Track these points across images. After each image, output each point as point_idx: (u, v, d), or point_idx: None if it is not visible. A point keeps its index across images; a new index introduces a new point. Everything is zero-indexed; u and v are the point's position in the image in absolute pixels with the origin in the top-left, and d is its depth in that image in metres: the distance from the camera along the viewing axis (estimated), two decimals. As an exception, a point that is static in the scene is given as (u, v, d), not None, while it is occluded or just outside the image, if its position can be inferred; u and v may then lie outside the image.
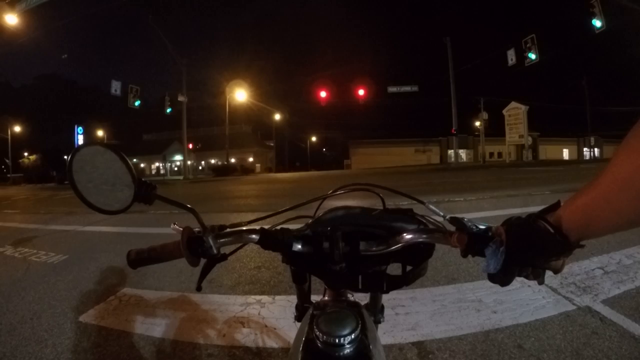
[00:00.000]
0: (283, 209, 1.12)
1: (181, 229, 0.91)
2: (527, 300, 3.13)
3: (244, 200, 13.80)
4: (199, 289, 0.97)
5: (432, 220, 0.97)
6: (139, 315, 3.32)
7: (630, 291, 3.27)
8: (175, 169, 63.48)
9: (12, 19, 21.94)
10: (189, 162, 45.05)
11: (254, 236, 0.90)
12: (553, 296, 3.22)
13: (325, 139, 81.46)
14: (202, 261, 0.92)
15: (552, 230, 0.65)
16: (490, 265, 0.70)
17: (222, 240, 0.90)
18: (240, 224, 0.99)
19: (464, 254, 0.77)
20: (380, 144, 64.77)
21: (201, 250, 0.88)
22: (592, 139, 56.96)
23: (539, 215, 0.69)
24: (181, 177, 41.36)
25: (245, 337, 2.81)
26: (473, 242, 0.75)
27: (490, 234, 0.74)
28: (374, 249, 0.88)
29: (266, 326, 2.97)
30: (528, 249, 0.68)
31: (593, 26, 22.62)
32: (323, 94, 32.71)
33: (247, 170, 51.39)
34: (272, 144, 71.51)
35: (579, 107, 57.37)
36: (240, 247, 1.06)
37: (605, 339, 2.53)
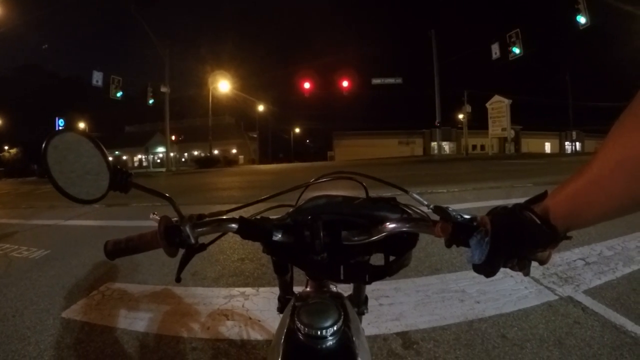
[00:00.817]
0: (264, 197, 1.10)
1: (159, 218, 0.89)
2: (510, 291, 3.17)
3: (227, 192, 13.74)
4: (178, 279, 0.93)
5: (415, 209, 0.96)
6: (122, 309, 3.29)
7: (611, 282, 3.33)
8: (158, 161, 62.91)
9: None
10: (171, 154, 44.69)
11: (233, 225, 0.87)
12: (535, 286, 3.26)
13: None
14: (181, 252, 0.89)
15: (538, 221, 0.64)
16: (474, 256, 0.69)
17: (200, 229, 0.87)
18: (220, 213, 0.96)
19: (448, 244, 0.75)
20: (363, 136, 64.88)
21: (179, 240, 0.85)
22: (574, 133, 57.80)
23: (525, 205, 0.68)
24: (164, 169, 41.04)
25: (230, 329, 2.80)
26: (457, 231, 0.73)
27: (475, 224, 0.73)
28: (356, 238, 0.86)
29: (250, 318, 2.97)
30: (514, 240, 0.66)
31: (577, 22, 22.81)
32: (307, 85, 32.65)
33: (230, 162, 51.07)
34: (255, 136, 71.25)
35: (562, 102, 58.13)
36: (220, 237, 1.03)
37: (587, 329, 2.58)
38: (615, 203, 0.56)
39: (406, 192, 1.06)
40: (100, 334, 2.87)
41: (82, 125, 58.52)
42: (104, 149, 0.82)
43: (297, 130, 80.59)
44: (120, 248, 0.91)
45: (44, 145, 0.80)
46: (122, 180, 0.85)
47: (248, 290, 3.53)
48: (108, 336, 2.84)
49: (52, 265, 4.76)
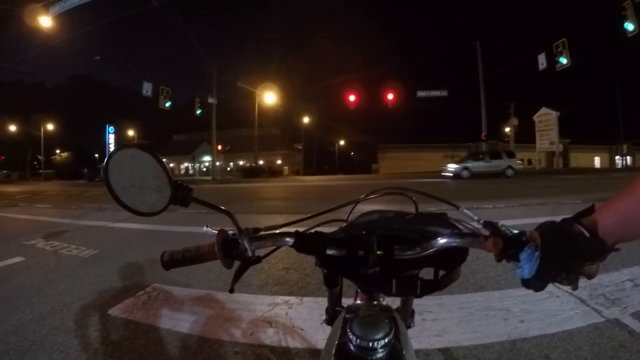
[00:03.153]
0: (317, 212, 1.11)
1: (214, 231, 0.93)
2: (555, 311, 3.08)
3: (272, 202, 13.85)
4: (231, 290, 0.97)
5: (466, 224, 0.95)
6: (167, 310, 3.37)
7: (661, 305, 3.19)
8: (204, 169, 63.84)
9: (46, 22, 22.53)
10: (217, 163, 45.37)
11: (288, 239, 0.90)
12: (581, 307, 3.15)
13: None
14: (236, 263, 0.92)
15: (587, 234, 0.66)
16: (524, 270, 0.70)
17: (256, 242, 0.90)
18: (275, 227, 0.98)
19: (499, 259, 0.76)
20: (408, 149, 63.82)
21: (236, 253, 0.90)
22: (625, 147, 55.27)
23: (574, 219, 0.70)
24: (209, 178, 41.69)
25: (272, 337, 2.82)
26: (508, 246, 0.74)
27: (524, 238, 0.73)
28: (408, 253, 0.87)
29: (293, 327, 2.98)
30: (563, 253, 0.68)
31: (626, 30, 21.99)
32: (352, 97, 32.54)
33: (275, 172, 51.46)
34: (300, 147, 71.64)
35: (612, 114, 55.87)
36: (275, 250, 1.04)
37: (633, 353, 2.48)
38: None
39: (457, 207, 1.04)
40: (145, 333, 2.95)
41: (131, 132, 60.33)
42: (166, 165, 0.85)
43: (342, 142, 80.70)
44: (177, 259, 0.97)
45: (106, 159, 0.84)
46: (183, 194, 0.87)
47: (292, 299, 3.55)
48: (153, 335, 2.92)
49: (100, 265, 4.94)
